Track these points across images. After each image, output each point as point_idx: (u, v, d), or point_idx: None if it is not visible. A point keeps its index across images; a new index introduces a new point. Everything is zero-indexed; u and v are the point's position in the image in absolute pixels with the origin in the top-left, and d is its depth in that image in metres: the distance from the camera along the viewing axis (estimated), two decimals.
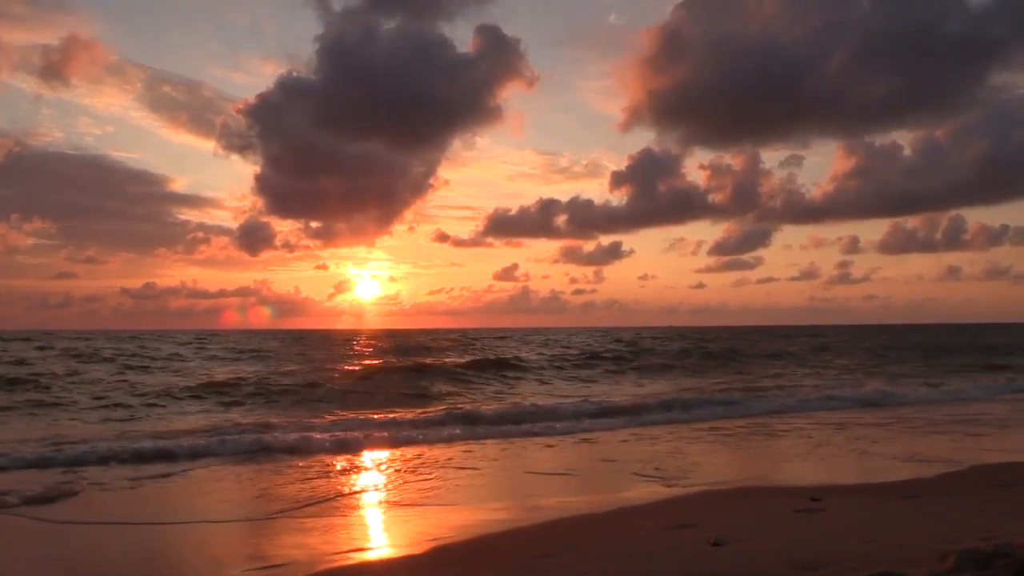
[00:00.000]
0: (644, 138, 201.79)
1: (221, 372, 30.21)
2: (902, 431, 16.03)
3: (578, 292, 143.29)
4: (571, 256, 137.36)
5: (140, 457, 12.73)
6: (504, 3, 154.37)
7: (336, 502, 9.62)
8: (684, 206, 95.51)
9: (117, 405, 20.26)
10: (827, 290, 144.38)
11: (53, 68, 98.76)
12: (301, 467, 12.25)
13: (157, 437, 14.55)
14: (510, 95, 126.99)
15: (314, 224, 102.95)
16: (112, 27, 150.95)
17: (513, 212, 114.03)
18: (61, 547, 7.80)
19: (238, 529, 8.47)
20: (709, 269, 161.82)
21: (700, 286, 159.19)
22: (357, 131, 74.51)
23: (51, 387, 23.69)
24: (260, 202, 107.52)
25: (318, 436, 14.84)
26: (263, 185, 79.03)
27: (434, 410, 19.58)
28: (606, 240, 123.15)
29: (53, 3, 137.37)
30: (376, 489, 10.68)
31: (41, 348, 46.56)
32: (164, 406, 20.32)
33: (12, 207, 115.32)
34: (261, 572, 6.58)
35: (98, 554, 7.49)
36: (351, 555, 7.19)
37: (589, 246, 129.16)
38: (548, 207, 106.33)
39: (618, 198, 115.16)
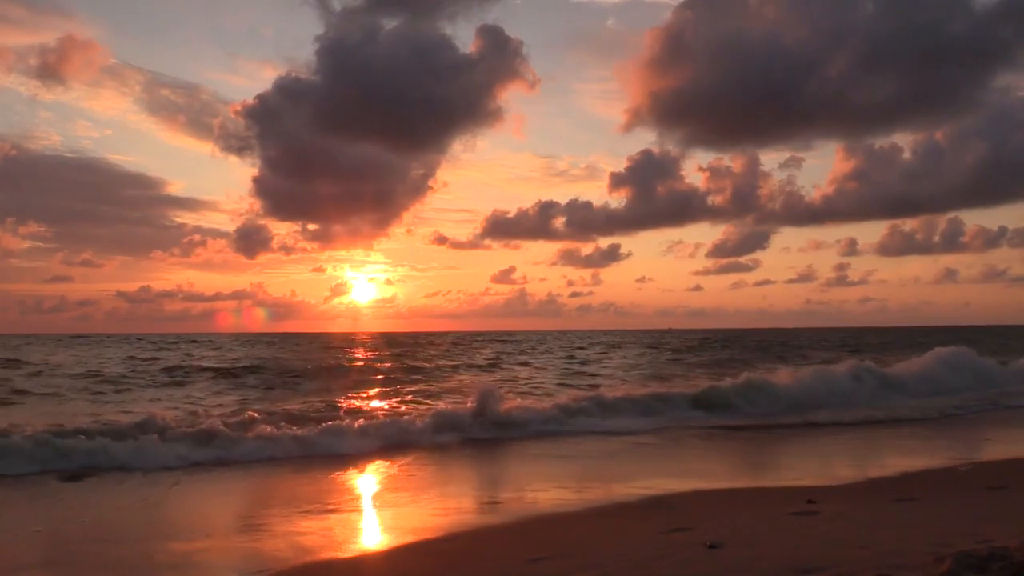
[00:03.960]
0: (643, 141, 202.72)
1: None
2: None
3: (575, 295, 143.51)
4: (569, 259, 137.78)
5: None
6: (503, 5, 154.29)
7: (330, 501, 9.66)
8: (683, 208, 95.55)
9: None
10: (823, 293, 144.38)
11: (50, 68, 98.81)
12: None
13: None
14: (510, 97, 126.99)
15: (311, 226, 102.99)
16: (110, 30, 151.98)
17: (511, 214, 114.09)
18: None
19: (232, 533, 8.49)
20: (707, 272, 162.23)
21: (697, 288, 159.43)
22: (356, 132, 74.43)
23: None
24: (257, 204, 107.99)
25: None
26: (261, 187, 78.83)
27: None
28: (604, 243, 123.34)
29: (51, 6, 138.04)
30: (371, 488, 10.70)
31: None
32: None
33: (8, 210, 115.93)
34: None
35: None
36: (333, 554, 7.19)
37: (587, 248, 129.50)
38: (546, 209, 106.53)
39: (617, 200, 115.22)
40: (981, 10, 67.64)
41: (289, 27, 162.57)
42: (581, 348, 61.41)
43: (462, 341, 78.58)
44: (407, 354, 50.77)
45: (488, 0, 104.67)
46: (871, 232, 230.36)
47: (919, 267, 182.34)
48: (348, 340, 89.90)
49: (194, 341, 79.06)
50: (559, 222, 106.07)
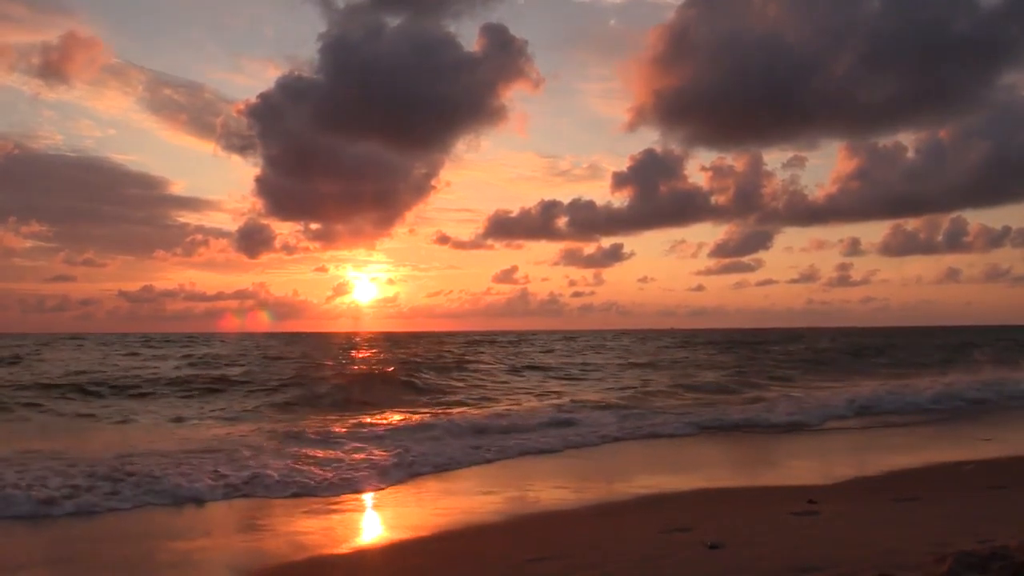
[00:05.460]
0: (646, 140, 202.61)
1: None
2: None
3: (577, 295, 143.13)
4: (571, 258, 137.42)
5: None
6: (507, 4, 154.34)
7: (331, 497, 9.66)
8: (685, 208, 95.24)
9: None
10: (826, 292, 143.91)
11: (52, 67, 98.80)
12: None
13: None
14: (513, 96, 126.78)
15: (314, 226, 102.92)
16: (112, 29, 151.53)
17: (514, 214, 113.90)
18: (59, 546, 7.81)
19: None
20: (709, 271, 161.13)
21: (699, 288, 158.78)
22: (359, 132, 74.43)
23: None
24: (260, 204, 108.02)
25: None
26: (263, 187, 78.82)
27: None
28: (607, 242, 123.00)
29: (53, 5, 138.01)
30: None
31: None
32: None
33: (10, 210, 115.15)
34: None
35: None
36: (328, 552, 7.20)
37: (589, 248, 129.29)
38: (549, 209, 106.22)
39: (619, 200, 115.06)
40: (985, 8, 67.47)
41: (292, 25, 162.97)
42: (669, 347, 58.64)
43: (492, 341, 77.85)
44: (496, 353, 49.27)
45: None
46: (874, 232, 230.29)
47: (921, 267, 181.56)
48: (385, 340, 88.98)
49: (210, 341, 78.73)
50: (561, 222, 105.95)
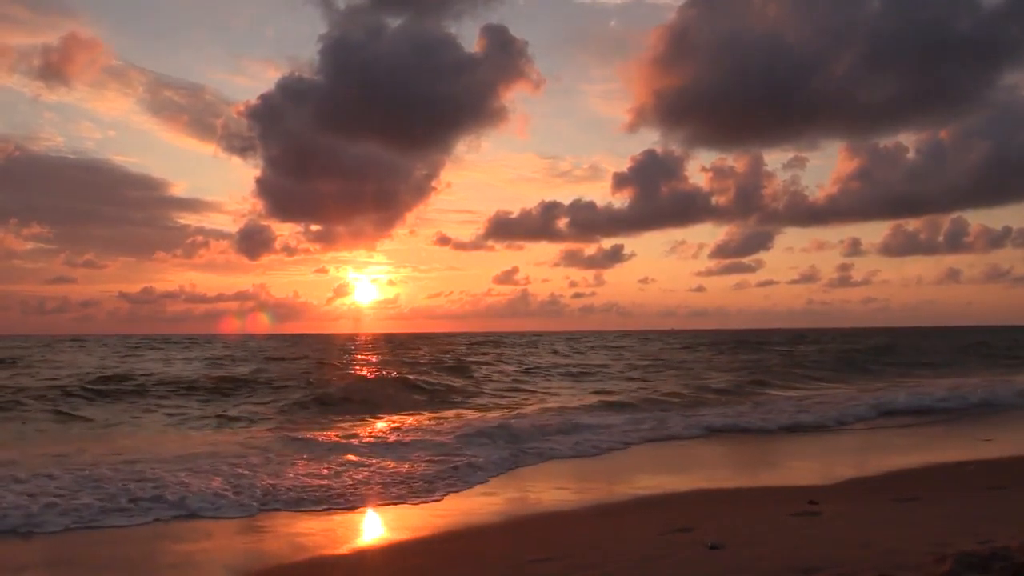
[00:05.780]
0: (647, 141, 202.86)
1: None
2: None
3: (577, 296, 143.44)
4: (572, 259, 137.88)
5: None
6: (508, 5, 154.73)
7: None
8: (686, 209, 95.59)
9: None
10: (826, 293, 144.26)
11: (53, 69, 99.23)
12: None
13: None
14: (514, 97, 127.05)
15: (314, 227, 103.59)
16: (113, 31, 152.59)
17: (514, 215, 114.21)
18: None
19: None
20: (709, 272, 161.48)
21: (699, 289, 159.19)
22: (359, 132, 74.63)
23: None
24: (260, 205, 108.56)
25: None
26: (263, 188, 79.26)
27: None
28: (607, 243, 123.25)
29: (55, 7, 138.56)
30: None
31: None
32: None
33: (11, 211, 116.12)
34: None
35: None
36: (329, 553, 7.20)
37: (590, 249, 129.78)
38: (549, 210, 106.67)
39: (620, 200, 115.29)
40: (986, 8, 67.52)
41: (292, 26, 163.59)
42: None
43: (496, 342, 77.58)
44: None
45: (492, 0, 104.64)
46: (874, 232, 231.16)
47: (922, 267, 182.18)
48: (388, 341, 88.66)
49: (211, 342, 78.63)
50: (562, 223, 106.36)
